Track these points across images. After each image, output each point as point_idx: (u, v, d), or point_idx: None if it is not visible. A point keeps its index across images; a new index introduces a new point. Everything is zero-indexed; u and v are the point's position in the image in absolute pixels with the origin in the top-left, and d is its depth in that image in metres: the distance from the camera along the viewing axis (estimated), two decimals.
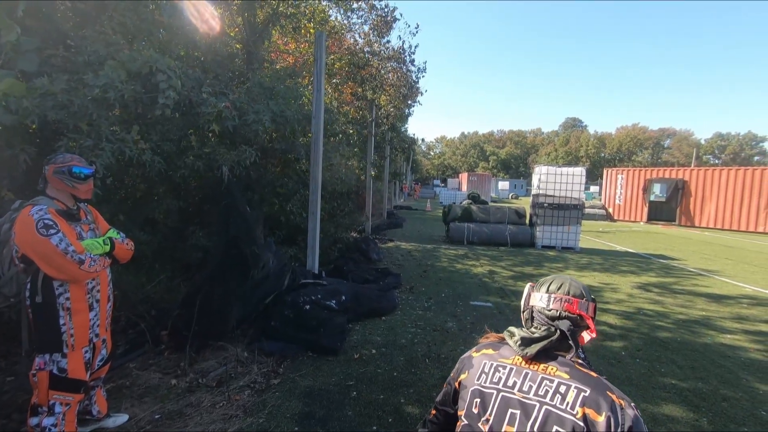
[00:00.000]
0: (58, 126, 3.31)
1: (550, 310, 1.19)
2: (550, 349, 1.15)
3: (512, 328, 1.25)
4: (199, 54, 5.95)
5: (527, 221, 12.41)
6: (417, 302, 5.78)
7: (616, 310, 5.78)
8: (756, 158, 67.82)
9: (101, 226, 2.35)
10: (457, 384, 1.28)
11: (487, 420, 1.11)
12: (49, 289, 2.01)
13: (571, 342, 1.13)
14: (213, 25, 6.57)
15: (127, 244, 2.39)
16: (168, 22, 4.69)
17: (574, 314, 1.16)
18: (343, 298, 4.72)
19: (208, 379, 3.26)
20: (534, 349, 1.14)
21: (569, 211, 11.39)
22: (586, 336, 1.17)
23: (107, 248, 2.21)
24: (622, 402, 1.02)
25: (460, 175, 53.49)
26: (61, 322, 2.03)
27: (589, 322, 1.16)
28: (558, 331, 1.15)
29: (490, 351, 1.25)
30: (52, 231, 1.93)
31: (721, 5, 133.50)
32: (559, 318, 1.17)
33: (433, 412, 1.43)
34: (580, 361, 1.15)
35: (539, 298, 1.22)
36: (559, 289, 1.20)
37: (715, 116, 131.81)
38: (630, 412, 1.01)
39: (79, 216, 2.19)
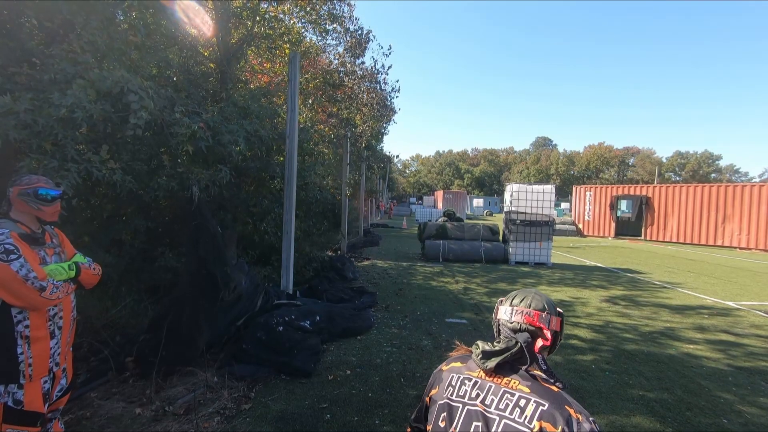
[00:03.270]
0: (20, 146, 3.21)
1: (512, 323, 1.24)
2: (513, 362, 1.18)
3: (479, 342, 1.28)
4: (172, 73, 5.92)
5: (501, 238, 12.66)
6: (392, 321, 5.77)
7: (586, 324, 5.93)
8: (713, 175, 71.77)
9: (67, 250, 2.26)
10: (428, 399, 1.30)
11: None
12: (7, 317, 1.91)
13: (527, 354, 1.17)
14: (204, 30, 6.56)
15: (93, 269, 2.31)
16: (141, 41, 4.66)
17: (534, 326, 1.21)
18: (318, 318, 4.67)
19: (176, 407, 3.14)
20: (493, 362, 1.17)
21: (541, 228, 11.71)
22: (539, 343, 1.21)
23: (72, 273, 2.13)
24: (579, 416, 1.05)
25: (435, 192, 54.17)
26: (19, 351, 1.93)
27: (547, 333, 1.20)
28: (518, 343, 1.19)
29: (458, 364, 1.28)
30: (13, 256, 1.86)
31: (676, 30, 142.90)
32: (520, 330, 1.22)
33: (408, 430, 1.44)
34: (543, 375, 1.18)
35: (504, 312, 1.28)
36: (521, 302, 1.26)
37: (675, 135, 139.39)
38: (586, 426, 1.03)
39: (44, 240, 2.11)
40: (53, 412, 2.21)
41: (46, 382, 2.04)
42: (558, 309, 1.27)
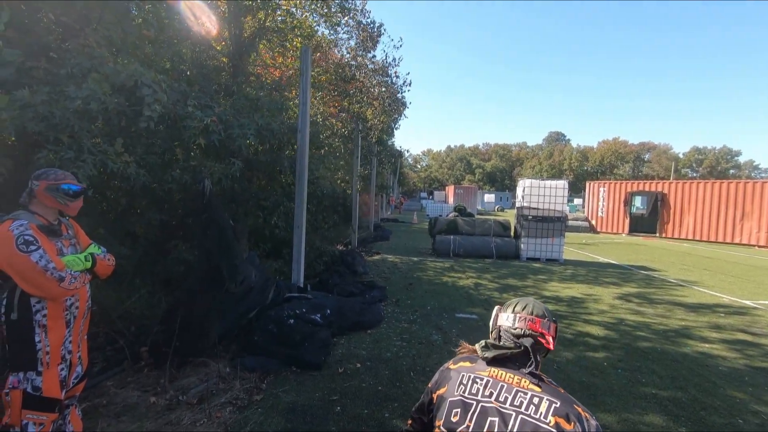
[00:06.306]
0: (37, 138, 3.27)
1: (515, 329, 1.29)
2: (514, 361, 1.25)
3: (483, 341, 1.35)
4: (185, 67, 5.96)
5: (512, 233, 12.56)
6: (403, 315, 5.78)
7: (598, 321, 5.86)
8: (731, 171, 70.19)
9: (82, 241, 2.31)
10: (434, 396, 1.35)
11: (468, 426, 1.17)
12: (26, 306, 1.96)
13: (532, 357, 1.24)
14: (209, 29, 6.60)
15: (108, 259, 2.35)
16: (155, 36, 4.70)
17: (536, 332, 1.26)
18: (328, 312, 4.70)
19: (189, 396, 3.20)
20: (492, 353, 1.25)
21: (553, 224, 11.58)
22: (541, 348, 1.28)
23: (88, 264, 2.17)
24: (586, 414, 1.15)
25: (446, 187, 53.89)
26: (37, 339, 1.97)
27: (549, 339, 1.26)
28: (523, 347, 1.25)
29: (467, 364, 1.32)
30: (33, 247, 1.90)
31: (694, 19, 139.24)
32: (524, 336, 1.27)
33: (410, 421, 1.51)
34: (548, 377, 1.25)
35: (506, 318, 1.32)
36: (523, 309, 1.31)
37: (693, 130, 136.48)
38: (593, 422, 1.14)
39: (61, 231, 2.15)
40: (70, 399, 2.26)
41: (62, 369, 2.09)
42: (553, 316, 1.33)
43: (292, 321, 4.23)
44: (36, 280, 1.90)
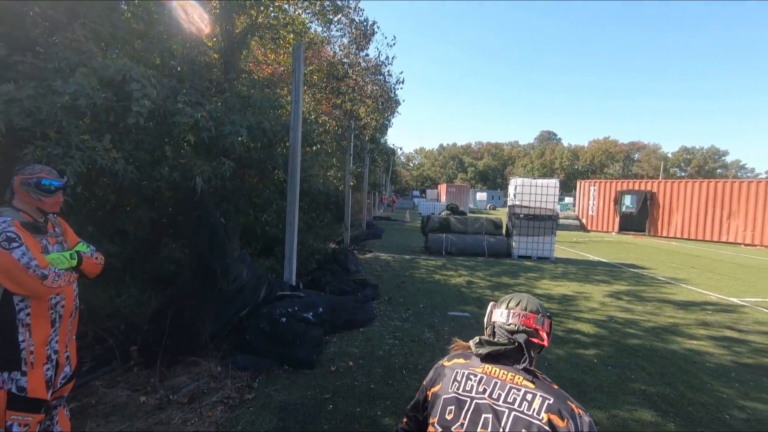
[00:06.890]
0: (24, 134, 3.21)
1: (509, 325, 1.28)
2: (508, 357, 1.24)
3: (477, 337, 1.34)
4: (175, 63, 5.89)
5: (504, 232, 12.63)
6: (395, 313, 5.78)
7: (588, 319, 5.92)
8: (719, 171, 71.25)
9: (70, 239, 2.26)
10: (429, 393, 1.34)
11: (462, 424, 1.17)
12: (9, 305, 1.92)
13: (526, 353, 1.23)
14: (201, 27, 6.52)
15: (96, 258, 2.30)
16: (144, 30, 4.63)
17: (530, 328, 1.26)
18: (320, 310, 4.68)
19: (180, 396, 3.16)
20: (486, 349, 1.25)
21: (544, 222, 11.67)
22: (535, 344, 1.27)
23: (74, 262, 2.12)
24: (579, 411, 1.15)
25: (439, 186, 54.03)
26: (20, 338, 1.93)
27: (543, 334, 1.26)
28: (516, 343, 1.24)
29: (461, 360, 1.32)
30: (15, 244, 1.86)
31: (683, 19, 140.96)
32: (517, 332, 1.27)
33: (405, 420, 1.51)
34: (542, 373, 1.25)
35: (500, 314, 1.32)
36: (517, 305, 1.30)
37: (681, 130, 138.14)
38: (586, 418, 1.14)
39: (46, 228, 2.11)
40: (58, 399, 2.22)
41: (48, 369, 2.05)
42: (547, 312, 1.32)
43: (284, 319, 4.21)
44: (18, 278, 1.86)
